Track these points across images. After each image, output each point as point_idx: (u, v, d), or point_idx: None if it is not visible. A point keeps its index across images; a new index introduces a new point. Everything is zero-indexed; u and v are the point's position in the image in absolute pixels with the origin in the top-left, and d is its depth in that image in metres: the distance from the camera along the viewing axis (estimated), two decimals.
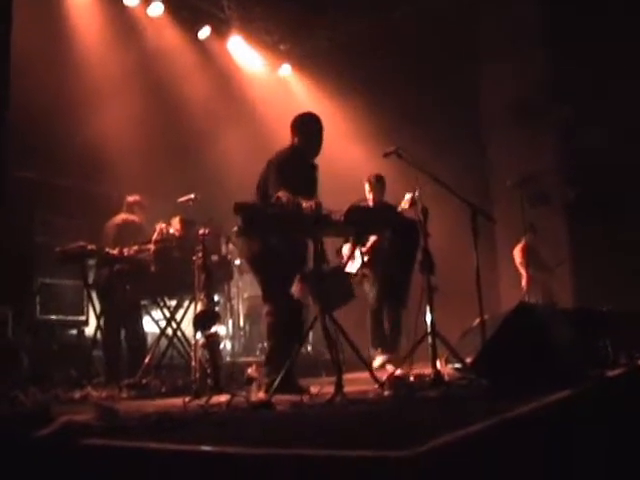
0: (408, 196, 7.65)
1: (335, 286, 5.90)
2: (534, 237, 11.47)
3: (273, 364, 6.20)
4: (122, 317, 8.33)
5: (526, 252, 11.32)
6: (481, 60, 13.49)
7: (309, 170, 6.72)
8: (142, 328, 8.57)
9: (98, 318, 8.25)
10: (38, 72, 8.87)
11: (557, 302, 11.12)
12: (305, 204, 5.88)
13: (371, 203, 8.38)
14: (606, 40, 11.09)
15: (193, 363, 6.44)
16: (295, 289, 5.80)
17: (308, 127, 6.72)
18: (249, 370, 6.28)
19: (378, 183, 8.46)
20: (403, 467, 2.40)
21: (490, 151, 13.56)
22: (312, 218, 5.78)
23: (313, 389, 5.98)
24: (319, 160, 6.84)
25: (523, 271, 11.30)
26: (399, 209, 7.75)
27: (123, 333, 8.43)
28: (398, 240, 7.74)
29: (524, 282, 11.24)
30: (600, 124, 11.52)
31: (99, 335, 8.22)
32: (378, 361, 8.13)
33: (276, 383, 5.55)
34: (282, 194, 5.97)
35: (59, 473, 3.21)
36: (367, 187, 8.49)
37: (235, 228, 6.32)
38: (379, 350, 8.28)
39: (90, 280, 8.48)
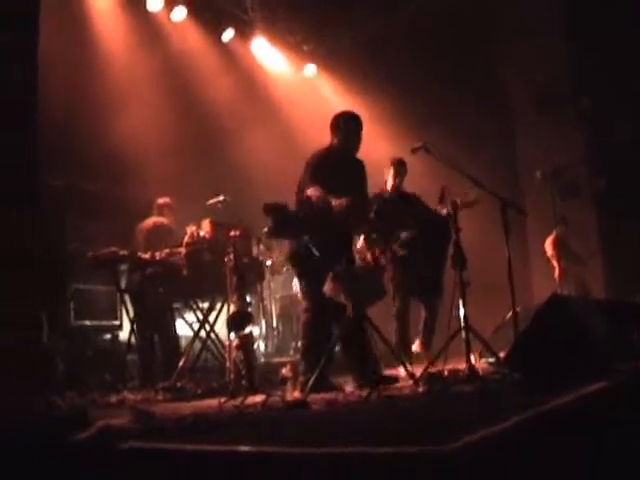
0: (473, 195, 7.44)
1: (367, 283, 5.91)
2: (565, 229, 11.39)
3: (308, 362, 6.22)
4: (155, 320, 8.37)
5: (557, 244, 11.24)
6: (506, 53, 13.42)
7: (351, 168, 6.72)
8: (175, 331, 8.61)
9: (132, 322, 8.29)
10: (64, 79, 8.91)
11: (590, 294, 11.04)
12: (335, 202, 5.90)
13: (390, 188, 8.21)
14: (629, 33, 11.00)
15: (227, 364, 6.46)
16: (327, 287, 5.82)
17: (345, 126, 6.75)
18: (283, 370, 6.31)
19: (401, 168, 8.29)
20: (439, 463, 2.40)
21: (519, 144, 13.50)
22: (342, 216, 5.80)
23: (347, 387, 6.00)
24: None
25: (555, 263, 11.22)
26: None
27: (156, 336, 8.48)
28: (429, 236, 7.70)
29: (556, 274, 11.16)
30: (627, 117, 11.44)
31: (133, 339, 8.26)
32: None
33: (311, 382, 5.57)
34: (312, 192, 6.00)
35: (98, 476, 3.24)
36: (391, 171, 8.29)
37: (265, 229, 6.35)
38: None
39: (122, 284, 8.53)
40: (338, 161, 6.58)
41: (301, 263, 6.53)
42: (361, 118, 6.85)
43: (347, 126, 6.76)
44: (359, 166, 6.86)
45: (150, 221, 8.93)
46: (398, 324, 7.94)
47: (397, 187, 8.18)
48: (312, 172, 6.38)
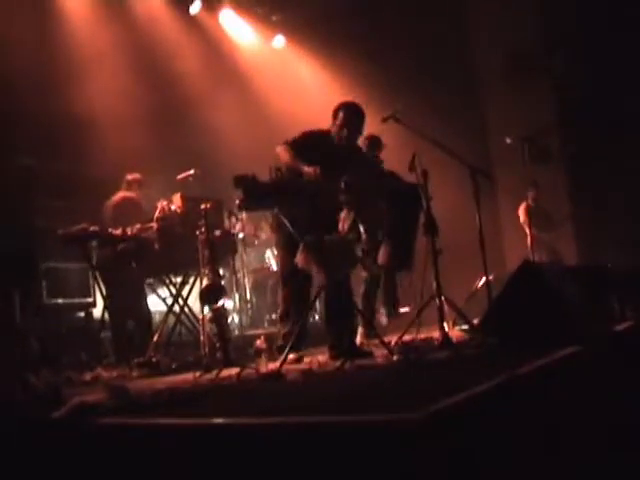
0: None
1: (339, 254, 5.90)
2: (536, 193, 11.42)
3: (285, 328, 6.30)
4: (127, 296, 8.33)
5: (528, 211, 11.26)
6: (477, 18, 13.43)
7: (342, 157, 6.60)
8: (147, 306, 8.59)
9: (104, 299, 8.25)
10: (27, 53, 8.80)
11: (561, 260, 11.10)
12: (307, 169, 5.90)
13: None
14: None
15: (202, 338, 6.46)
16: (298, 258, 5.80)
17: (343, 115, 6.63)
18: (257, 342, 6.31)
19: (375, 145, 8.20)
20: (412, 429, 2.41)
21: (488, 112, 13.52)
22: (312, 184, 5.78)
23: (321, 358, 6.01)
24: None
25: (527, 230, 11.23)
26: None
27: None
28: (400, 205, 7.69)
29: (529, 241, 11.17)
30: (592, 75, 11.51)
31: (107, 316, 8.22)
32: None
33: (285, 353, 5.57)
34: (280, 151, 6.05)
35: (74, 453, 3.23)
36: (365, 148, 8.22)
37: (236, 201, 6.32)
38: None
39: (94, 261, 8.48)
40: (328, 147, 6.53)
41: (277, 233, 6.55)
42: (362, 110, 6.70)
43: (344, 116, 6.63)
44: (354, 155, 6.84)
45: (118, 196, 8.87)
46: (364, 291, 7.92)
47: None
48: (297, 147, 6.34)
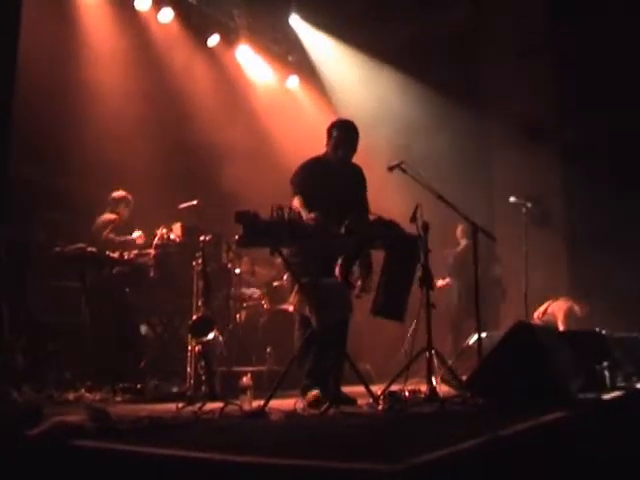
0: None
1: (333, 299, 5.87)
2: (582, 309, 11.09)
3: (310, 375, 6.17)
4: (121, 320, 8.29)
5: (570, 316, 10.91)
6: (488, 76, 13.54)
7: (343, 175, 6.66)
8: (139, 332, 8.53)
9: (95, 320, 8.20)
10: (43, 72, 8.84)
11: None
12: (306, 216, 5.87)
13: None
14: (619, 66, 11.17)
15: (188, 369, 6.43)
16: (292, 300, 5.78)
17: (336, 133, 6.68)
18: (244, 379, 6.27)
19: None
20: None
21: (496, 170, 13.55)
22: (311, 230, 5.75)
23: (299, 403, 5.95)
24: None
25: (558, 324, 10.92)
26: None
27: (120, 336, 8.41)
28: (397, 255, 7.67)
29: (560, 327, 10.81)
30: (604, 142, 11.61)
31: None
32: None
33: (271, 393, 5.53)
34: (294, 203, 6.01)
35: (49, 472, 3.20)
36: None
37: (236, 237, 6.31)
38: None
39: (89, 282, 8.45)
40: (327, 169, 6.55)
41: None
42: (355, 127, 6.76)
43: (338, 134, 6.68)
44: (354, 172, 6.85)
45: (101, 218, 8.70)
46: None
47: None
48: (296, 183, 6.39)
